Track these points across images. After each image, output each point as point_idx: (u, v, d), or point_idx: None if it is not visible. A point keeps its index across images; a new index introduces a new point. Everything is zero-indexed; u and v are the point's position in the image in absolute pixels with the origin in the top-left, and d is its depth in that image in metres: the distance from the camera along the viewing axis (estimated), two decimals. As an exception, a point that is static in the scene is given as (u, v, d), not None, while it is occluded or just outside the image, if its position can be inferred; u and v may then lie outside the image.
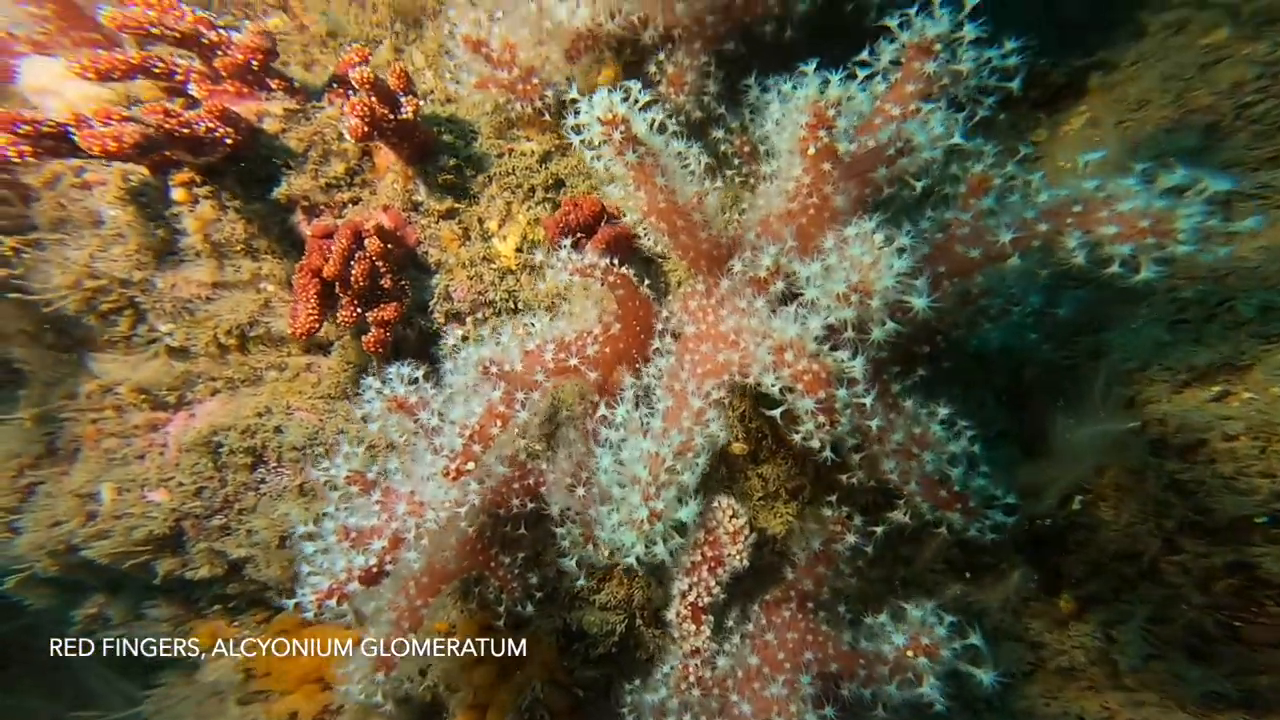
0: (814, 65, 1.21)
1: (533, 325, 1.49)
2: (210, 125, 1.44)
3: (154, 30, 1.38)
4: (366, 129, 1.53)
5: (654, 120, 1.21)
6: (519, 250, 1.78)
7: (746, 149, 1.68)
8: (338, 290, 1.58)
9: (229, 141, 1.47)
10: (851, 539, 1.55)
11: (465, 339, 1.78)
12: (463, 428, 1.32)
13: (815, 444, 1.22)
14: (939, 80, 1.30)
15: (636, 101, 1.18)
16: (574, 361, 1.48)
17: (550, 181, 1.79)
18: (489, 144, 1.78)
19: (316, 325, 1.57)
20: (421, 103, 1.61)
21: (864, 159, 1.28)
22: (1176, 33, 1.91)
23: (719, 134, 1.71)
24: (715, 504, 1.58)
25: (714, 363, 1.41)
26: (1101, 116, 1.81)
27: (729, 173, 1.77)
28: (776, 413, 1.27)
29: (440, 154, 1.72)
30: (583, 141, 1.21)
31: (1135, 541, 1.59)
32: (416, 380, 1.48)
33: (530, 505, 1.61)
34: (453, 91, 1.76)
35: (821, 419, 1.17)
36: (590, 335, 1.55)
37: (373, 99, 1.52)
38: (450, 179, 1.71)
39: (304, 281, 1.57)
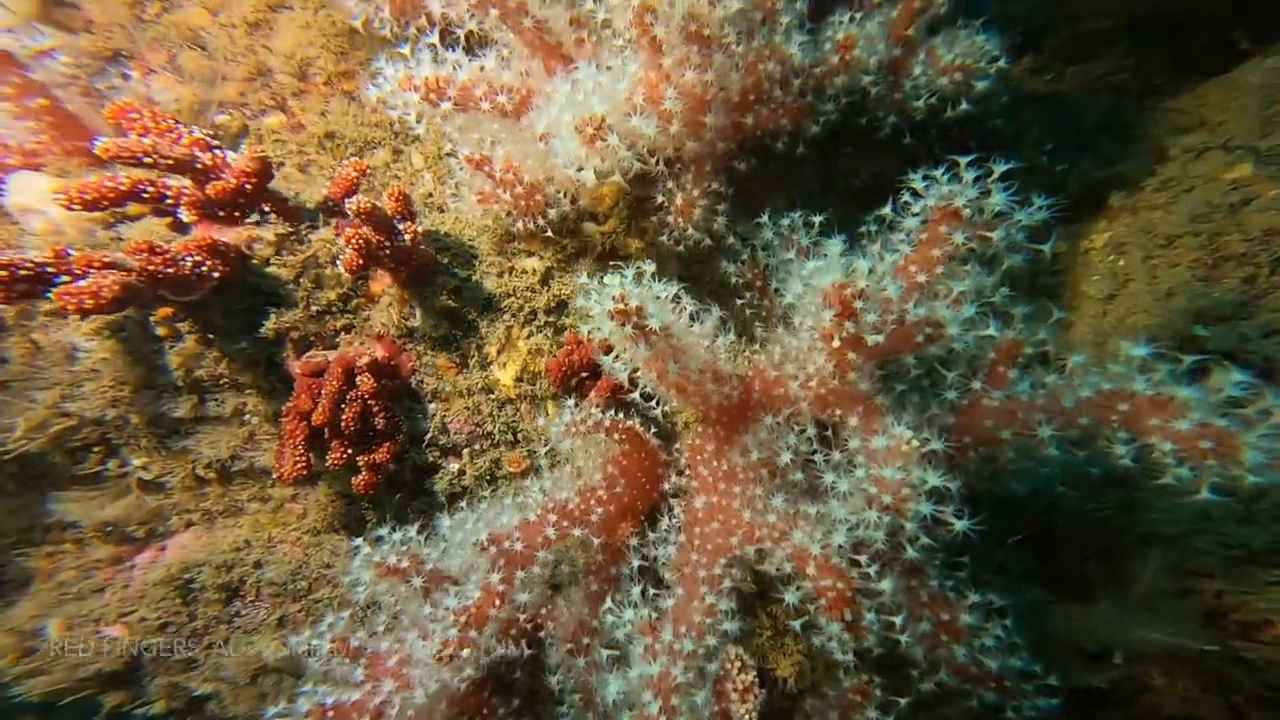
0: (838, 246, 1.13)
1: (533, 492, 1.40)
2: (197, 260, 1.35)
3: (147, 160, 1.29)
4: (361, 262, 1.44)
5: (668, 299, 1.14)
6: (519, 379, 1.70)
7: (759, 282, 1.60)
8: (326, 435, 1.48)
9: (216, 276, 1.38)
10: (873, 714, 1.45)
11: (462, 473, 1.68)
12: (458, 614, 1.22)
13: (836, 655, 1.12)
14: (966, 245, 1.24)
15: (650, 288, 1.10)
16: (578, 532, 1.39)
17: (553, 303, 1.71)
18: (489, 261, 1.70)
19: (304, 472, 1.47)
20: (420, 227, 1.52)
21: (891, 343, 1.21)
22: (1197, 157, 1.87)
23: (730, 267, 1.63)
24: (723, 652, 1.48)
25: (725, 543, 1.33)
26: (1127, 243, 1.75)
27: (739, 302, 1.69)
28: (790, 600, 1.18)
29: (438, 275, 1.63)
30: (590, 331, 1.12)
31: (1194, 707, 1.48)
32: (410, 540, 1.38)
33: (529, 650, 1.51)
34: (453, 206, 1.68)
35: (846, 636, 1.08)
36: (594, 496, 1.46)
37: (369, 230, 1.43)
38: (448, 303, 1.62)
39: (291, 426, 1.47)
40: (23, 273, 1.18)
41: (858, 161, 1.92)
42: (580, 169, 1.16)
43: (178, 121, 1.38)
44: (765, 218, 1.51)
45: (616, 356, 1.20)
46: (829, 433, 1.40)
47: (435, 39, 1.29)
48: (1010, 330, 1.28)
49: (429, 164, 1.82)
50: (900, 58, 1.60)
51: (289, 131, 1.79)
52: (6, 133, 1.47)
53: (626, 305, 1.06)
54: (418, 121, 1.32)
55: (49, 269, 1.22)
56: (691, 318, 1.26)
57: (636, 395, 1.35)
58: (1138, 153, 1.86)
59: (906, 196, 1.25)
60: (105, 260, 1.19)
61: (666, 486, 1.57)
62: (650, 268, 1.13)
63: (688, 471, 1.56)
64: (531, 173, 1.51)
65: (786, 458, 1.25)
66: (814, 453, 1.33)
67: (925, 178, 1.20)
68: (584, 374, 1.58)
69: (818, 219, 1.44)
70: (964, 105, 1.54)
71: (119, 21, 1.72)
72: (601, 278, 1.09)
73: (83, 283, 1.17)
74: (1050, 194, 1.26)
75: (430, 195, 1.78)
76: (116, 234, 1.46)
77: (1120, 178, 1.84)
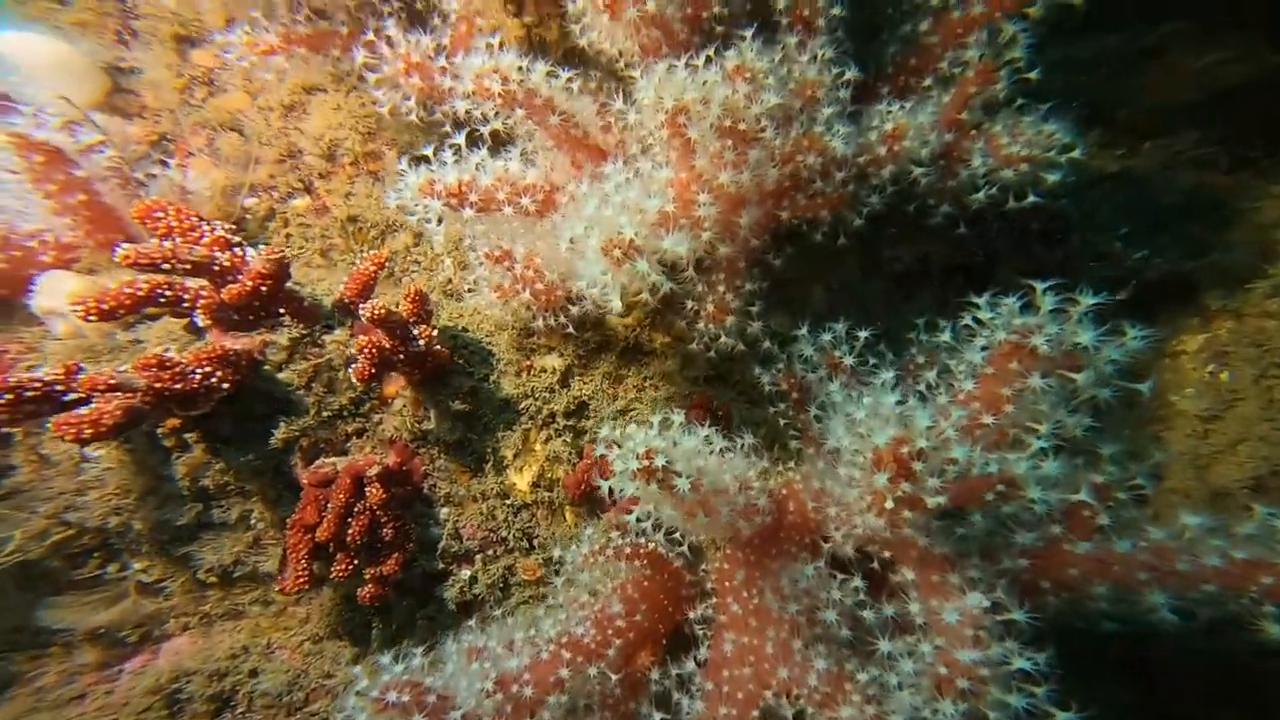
0: (891, 399, 0.98)
1: (545, 624, 1.27)
2: (207, 371, 1.30)
3: (166, 266, 1.26)
4: (374, 371, 1.38)
5: (698, 448, 1.01)
6: (535, 485, 1.59)
7: (795, 395, 1.45)
8: (331, 548, 1.40)
9: (226, 387, 1.33)
10: None
11: (474, 580, 1.57)
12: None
13: None
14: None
15: (678, 439, 0.98)
16: (593, 670, 1.25)
17: (572, 406, 1.61)
18: (507, 359, 1.61)
19: (306, 586, 1.39)
20: (436, 328, 1.45)
21: (954, 500, 1.04)
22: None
23: (764, 376, 1.49)
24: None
25: (758, 692, 1.16)
26: (1231, 353, 1.53)
27: (771, 410, 1.54)
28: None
29: (454, 375, 1.55)
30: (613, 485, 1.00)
31: None
32: (413, 668, 1.27)
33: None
34: (471, 300, 1.60)
35: None
36: (612, 625, 1.32)
37: (383, 336, 1.37)
38: (463, 406, 1.54)
39: (295, 539, 1.39)
40: (30, 394, 1.15)
41: (902, 243, 1.77)
42: (607, 293, 1.06)
43: (201, 219, 1.36)
44: (804, 329, 1.37)
45: (639, 509, 1.07)
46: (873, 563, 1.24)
47: (461, 140, 1.23)
48: (1098, 473, 1.10)
49: (450, 249, 1.77)
50: (954, 143, 1.47)
51: (313, 215, 1.77)
52: (45, 228, 1.48)
53: (652, 464, 0.94)
54: (438, 225, 1.25)
55: (58, 388, 1.18)
56: (722, 451, 1.13)
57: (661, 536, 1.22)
58: (1236, 243, 1.65)
59: (968, 319, 1.10)
60: (111, 382, 1.15)
61: (692, 614, 1.42)
62: (678, 418, 1.01)
63: (715, 599, 1.41)
64: (553, 269, 1.43)
65: (831, 616, 1.09)
66: (862, 603, 1.16)
67: (991, 302, 1.05)
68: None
69: (863, 334, 1.30)
70: (1031, 198, 1.39)
71: (169, 106, 1.76)
72: (624, 428, 0.98)
73: (83, 410, 1.12)
74: (1125, 283, 1.10)
75: (449, 282, 1.72)
76: (135, 336, 1.44)
77: (1216, 271, 1.63)
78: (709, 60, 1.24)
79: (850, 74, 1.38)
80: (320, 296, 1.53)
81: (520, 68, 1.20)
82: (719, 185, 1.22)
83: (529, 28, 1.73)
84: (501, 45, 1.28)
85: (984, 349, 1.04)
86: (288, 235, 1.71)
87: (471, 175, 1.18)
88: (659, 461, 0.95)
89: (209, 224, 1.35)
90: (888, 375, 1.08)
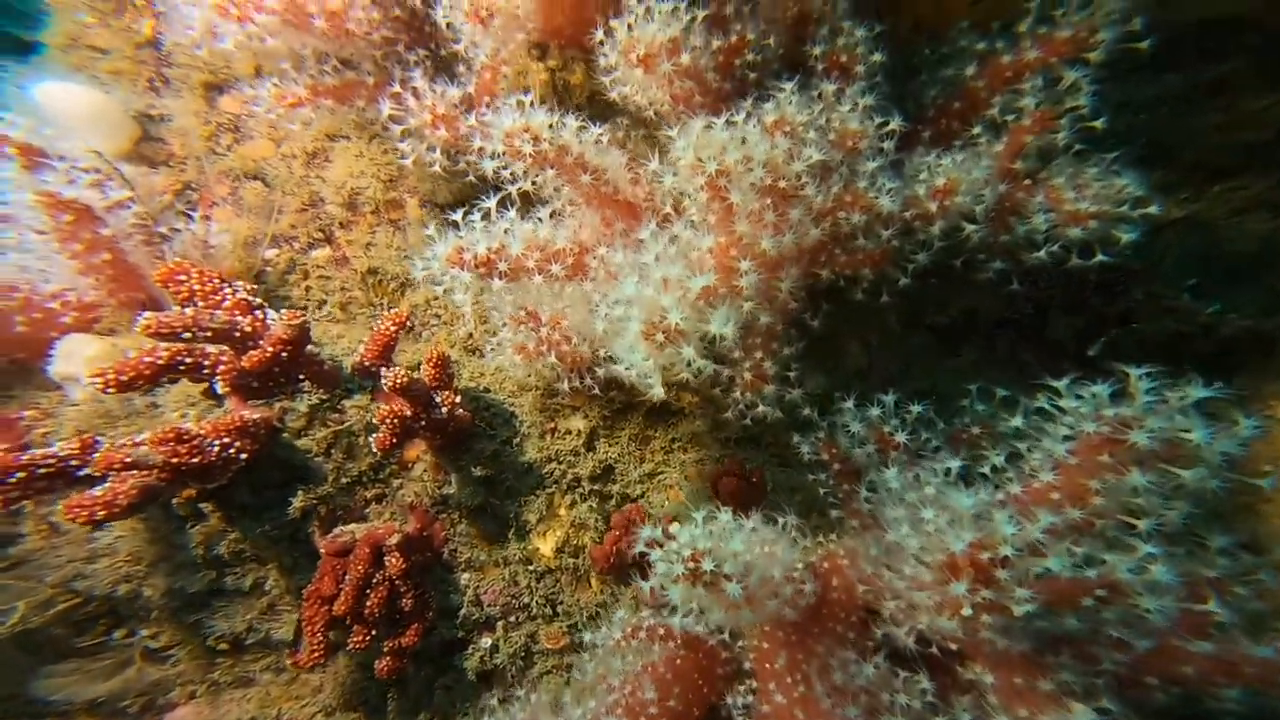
0: (968, 501, 0.88)
1: (574, 714, 1.19)
2: (225, 443, 1.26)
3: (187, 335, 1.23)
4: (395, 441, 1.32)
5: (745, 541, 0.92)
6: (559, 550, 1.51)
7: (837, 465, 1.35)
8: (349, 621, 1.33)
9: (244, 458, 1.29)
10: None
11: (495, 649, 1.49)
12: None
13: None
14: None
15: (725, 536, 0.89)
16: (623, 774, 1.16)
17: (598, 470, 1.53)
18: (530, 421, 1.54)
19: (321, 660, 1.32)
20: (458, 393, 1.39)
21: (1044, 603, 0.94)
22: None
23: (804, 446, 1.39)
24: None
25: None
26: None
27: (810, 478, 1.44)
28: None
29: (475, 438, 1.49)
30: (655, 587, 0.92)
31: None
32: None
33: None
34: (493, 360, 1.54)
35: None
36: (645, 713, 1.23)
37: (404, 404, 1.31)
38: (485, 471, 1.47)
39: (312, 611, 1.33)
40: (43, 471, 1.11)
41: (946, 295, 1.67)
42: (648, 379, 0.99)
43: (223, 281, 1.33)
44: (849, 402, 1.28)
45: (681, 608, 0.98)
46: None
47: (492, 204, 1.17)
48: (1208, 566, 0.98)
49: (471, 302, 1.72)
50: (1008, 195, 1.37)
51: (333, 266, 1.73)
52: (67, 287, 1.46)
53: (699, 568, 0.86)
54: (465, 295, 1.19)
55: (73, 463, 1.14)
56: (767, 541, 1.04)
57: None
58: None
59: (1044, 402, 0.99)
60: (127, 460, 1.11)
61: (731, 701, 1.32)
62: (725, 516, 0.93)
63: (755, 681, 1.31)
64: (580, 333, 1.36)
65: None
66: (933, 707, 1.05)
67: (1073, 387, 0.94)
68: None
69: (915, 408, 1.20)
70: (1100, 257, 1.28)
71: (195, 153, 1.75)
72: (666, 528, 0.90)
73: (97, 491, 1.08)
74: (1196, 339, 0.98)
75: (470, 336, 1.66)
76: (152, 400, 1.40)
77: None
78: (746, 115, 1.18)
79: (894, 124, 1.30)
80: (340, 357, 1.49)
81: (551, 125, 1.14)
82: (761, 251, 1.14)
83: (553, 71, 1.69)
84: (530, 98, 1.22)
85: (1068, 439, 0.93)
86: (307, 288, 1.67)
87: (501, 243, 1.12)
88: (707, 565, 0.87)
89: (230, 286, 1.31)
90: (952, 463, 0.98)
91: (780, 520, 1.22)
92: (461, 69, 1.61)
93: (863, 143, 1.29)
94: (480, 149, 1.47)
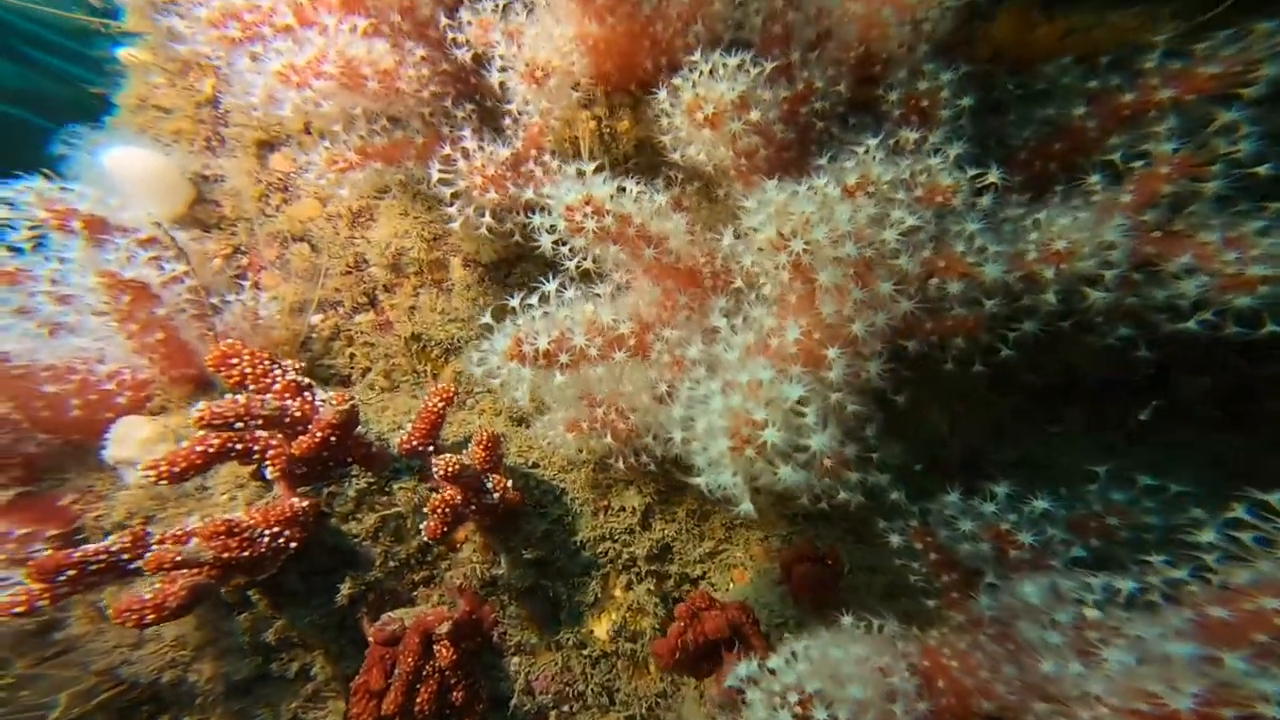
0: (1186, 646, 0.71)
1: None
2: (275, 532, 1.21)
3: (239, 425, 1.19)
4: (446, 529, 1.25)
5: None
6: (615, 634, 1.40)
7: (934, 555, 1.20)
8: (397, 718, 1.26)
9: (294, 546, 1.24)
10: None
11: (546, 745, 1.40)
12: None
13: None
14: None
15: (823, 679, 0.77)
16: None
17: (654, 549, 1.42)
18: (582, 499, 1.45)
19: (367, 758, 1.25)
20: (508, 473, 1.31)
21: None
22: None
23: (894, 536, 1.24)
24: None
25: None
26: None
27: (898, 563, 1.30)
28: None
29: (525, 516, 1.41)
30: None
31: None
32: None
33: None
34: (541, 435, 1.46)
35: None
36: None
37: (454, 491, 1.24)
38: (536, 553, 1.38)
39: (360, 708, 1.26)
40: (95, 567, 1.07)
41: (1040, 350, 1.49)
42: (737, 496, 0.87)
43: (273, 362, 1.29)
44: (954, 495, 1.12)
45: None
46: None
47: (552, 289, 1.09)
48: None
49: (529, 396, 1.64)
50: (1141, 248, 1.19)
51: (377, 331, 1.69)
52: (122, 367, 1.45)
53: (810, 715, 0.74)
54: (524, 391, 1.11)
55: (124, 557, 1.11)
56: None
57: None
58: None
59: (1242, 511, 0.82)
60: (177, 560, 1.06)
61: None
62: (825, 637, 0.81)
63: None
64: (639, 413, 1.25)
65: None
66: None
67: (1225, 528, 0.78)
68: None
69: (1041, 504, 1.03)
70: (1271, 328, 1.08)
71: (246, 215, 1.75)
72: (762, 660, 0.78)
73: (146, 594, 1.04)
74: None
75: (517, 404, 1.58)
76: (202, 482, 1.38)
77: None
78: (823, 173, 1.06)
79: (993, 176, 1.15)
80: (386, 434, 1.43)
81: (612, 196, 1.05)
82: (850, 335, 1.02)
83: (599, 119, 1.61)
84: (589, 167, 1.14)
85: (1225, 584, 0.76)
86: (351, 355, 1.63)
87: (562, 332, 1.03)
88: (820, 716, 0.75)
89: (280, 367, 1.27)
90: (1122, 584, 0.82)
91: (876, 623, 1.08)
92: (508, 121, 1.54)
93: (955, 198, 1.15)
94: (526, 203, 1.41)
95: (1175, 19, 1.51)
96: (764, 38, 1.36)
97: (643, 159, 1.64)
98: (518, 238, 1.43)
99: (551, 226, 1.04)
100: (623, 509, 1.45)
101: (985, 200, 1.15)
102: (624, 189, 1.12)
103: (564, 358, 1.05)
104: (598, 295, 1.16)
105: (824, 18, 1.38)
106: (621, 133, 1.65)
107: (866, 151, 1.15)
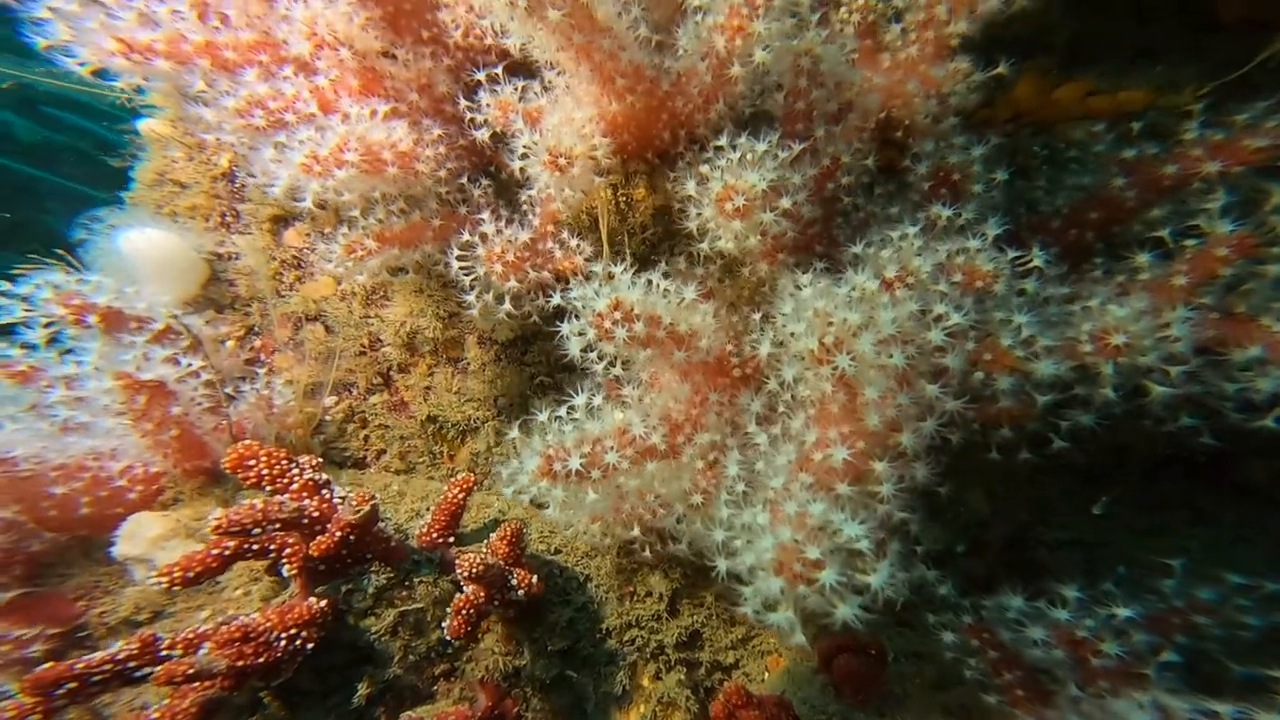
0: None
1: None
2: (292, 634, 1.16)
3: (257, 531, 1.16)
4: (470, 628, 1.20)
5: None
6: (647, 732, 1.33)
7: (994, 653, 1.13)
8: (417, 835, 1.19)
9: (310, 647, 1.18)
10: None
11: None
12: None
13: None
14: None
15: None
16: None
17: (684, 636, 1.36)
18: (606, 584, 1.39)
19: None
20: (535, 577, 1.26)
21: None
22: None
23: (947, 634, 1.17)
24: None
25: None
26: None
27: (950, 655, 1.22)
28: None
29: (548, 606, 1.35)
30: None
31: None
32: None
33: None
34: (564, 524, 1.41)
35: None
36: None
37: (479, 589, 1.19)
38: (561, 642, 1.32)
39: (377, 823, 1.20)
40: (98, 678, 1.03)
41: (1093, 435, 1.42)
42: (790, 633, 0.82)
43: (290, 460, 1.25)
44: (1017, 598, 1.06)
45: None
46: None
47: (581, 402, 1.05)
48: None
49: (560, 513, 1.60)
50: (1202, 332, 1.12)
51: (392, 413, 1.65)
52: (135, 460, 1.41)
53: None
54: (557, 510, 1.07)
55: (131, 665, 1.06)
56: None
57: None
58: None
59: None
60: (189, 672, 1.01)
61: None
62: None
63: None
64: (668, 508, 1.20)
65: None
66: None
67: None
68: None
69: (1123, 612, 0.96)
70: None
71: (260, 295, 1.73)
72: None
73: (154, 714, 0.99)
74: None
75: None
76: (215, 579, 1.33)
77: None
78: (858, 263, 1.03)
79: (1038, 261, 1.11)
80: (405, 525, 1.39)
81: (640, 299, 1.01)
82: (898, 446, 0.97)
83: (615, 187, 1.59)
84: (611, 256, 1.11)
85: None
86: (366, 437, 1.60)
87: (594, 449, 0.99)
88: None
89: (297, 465, 1.24)
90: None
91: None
92: (525, 197, 1.52)
93: (996, 285, 1.11)
94: (542, 281, 1.38)
95: (1200, 80, 1.49)
96: (786, 112, 1.34)
97: (660, 228, 1.61)
98: (535, 318, 1.40)
99: (580, 333, 1.00)
100: (649, 594, 1.40)
101: (1030, 285, 1.10)
102: (651, 283, 1.09)
103: (596, 474, 1.00)
104: (625, 401, 1.12)
105: (845, 90, 1.36)
106: (638, 200, 1.63)
107: (903, 238, 1.11)
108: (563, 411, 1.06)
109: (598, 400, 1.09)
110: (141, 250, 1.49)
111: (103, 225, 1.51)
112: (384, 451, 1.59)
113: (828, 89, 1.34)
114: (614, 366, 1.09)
